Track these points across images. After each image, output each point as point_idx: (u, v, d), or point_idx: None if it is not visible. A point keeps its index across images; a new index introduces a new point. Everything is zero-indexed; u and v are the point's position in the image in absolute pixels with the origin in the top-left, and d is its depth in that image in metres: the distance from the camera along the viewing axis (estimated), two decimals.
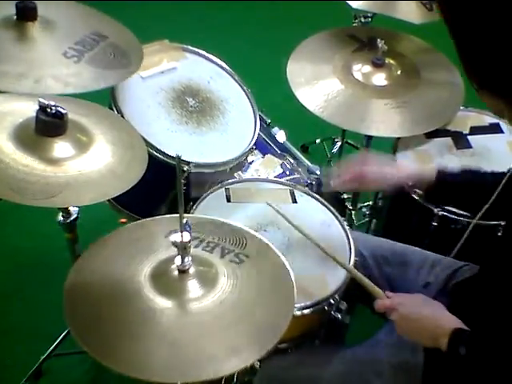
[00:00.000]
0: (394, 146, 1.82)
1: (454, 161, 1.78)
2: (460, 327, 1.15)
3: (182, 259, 1.08)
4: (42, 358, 1.83)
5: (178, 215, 1.17)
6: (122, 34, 1.52)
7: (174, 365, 1.00)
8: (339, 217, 1.57)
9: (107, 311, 1.07)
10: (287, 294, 1.16)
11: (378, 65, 1.82)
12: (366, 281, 1.29)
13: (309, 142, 2.61)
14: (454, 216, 1.63)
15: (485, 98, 1.00)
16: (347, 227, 1.54)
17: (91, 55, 1.37)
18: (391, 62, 1.85)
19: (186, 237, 1.07)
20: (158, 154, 1.57)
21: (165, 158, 1.58)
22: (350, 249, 1.48)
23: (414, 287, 1.45)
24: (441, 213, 1.64)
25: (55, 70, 1.31)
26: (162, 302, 1.07)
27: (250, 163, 1.82)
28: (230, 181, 1.65)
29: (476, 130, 1.87)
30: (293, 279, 1.18)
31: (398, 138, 1.82)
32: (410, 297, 1.27)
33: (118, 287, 1.10)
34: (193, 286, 1.09)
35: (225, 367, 1.01)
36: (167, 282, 1.10)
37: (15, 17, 1.36)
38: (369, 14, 2.03)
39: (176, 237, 1.07)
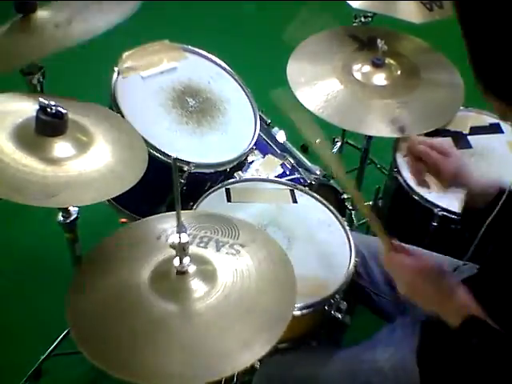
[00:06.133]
0: (394, 146, 1.82)
1: None
2: (475, 314, 1.10)
3: (181, 260, 1.08)
4: (42, 357, 1.83)
5: (168, 213, 1.17)
6: None
7: (190, 368, 0.99)
8: (339, 217, 1.57)
9: (112, 320, 1.06)
10: (288, 277, 1.16)
11: (377, 65, 1.82)
12: (377, 225, 1.24)
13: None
14: (454, 216, 1.63)
15: (490, 100, 1.00)
16: (347, 227, 1.54)
17: (83, 14, 1.40)
18: (391, 62, 1.85)
19: (184, 238, 1.06)
20: (158, 154, 1.57)
21: (165, 158, 1.58)
22: (350, 249, 1.48)
23: None
24: (441, 213, 1.64)
25: (44, 45, 1.35)
26: (167, 307, 1.05)
27: (250, 163, 1.82)
28: (230, 181, 1.65)
29: (476, 130, 1.87)
30: (291, 261, 1.18)
31: (398, 138, 1.82)
32: (424, 259, 1.21)
33: (121, 293, 1.10)
34: (195, 286, 1.08)
35: (240, 361, 1.00)
36: (168, 285, 1.09)
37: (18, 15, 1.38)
38: (369, 14, 2.03)
39: (174, 238, 1.06)
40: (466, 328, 1.10)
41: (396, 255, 1.21)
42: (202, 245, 1.18)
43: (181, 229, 1.05)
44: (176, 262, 1.08)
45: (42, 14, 1.42)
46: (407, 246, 1.25)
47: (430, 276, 1.18)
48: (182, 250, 1.06)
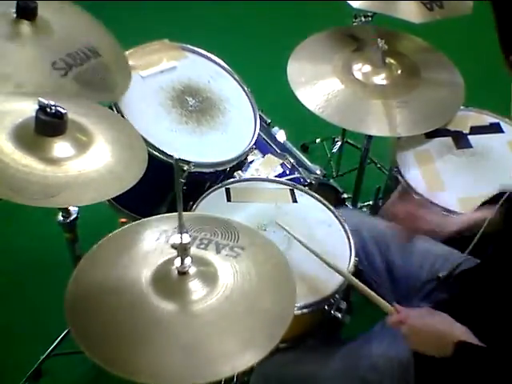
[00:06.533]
0: (394, 145, 1.82)
1: (454, 161, 1.78)
2: (465, 340, 1.14)
3: (182, 261, 1.08)
4: (42, 357, 1.83)
5: (170, 214, 1.16)
6: (115, 54, 1.52)
7: (190, 368, 1.00)
8: (339, 216, 1.57)
9: (112, 319, 1.06)
10: (287, 278, 1.16)
11: (378, 64, 1.82)
12: (374, 295, 1.28)
13: (309, 141, 2.61)
14: (453, 216, 1.63)
15: None
16: (346, 226, 1.54)
17: (79, 71, 1.38)
18: (391, 61, 1.85)
19: (186, 238, 1.06)
20: (157, 154, 1.57)
21: (165, 158, 1.58)
22: (350, 248, 1.48)
23: (415, 279, 1.45)
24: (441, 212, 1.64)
25: (40, 78, 1.32)
26: (167, 307, 1.06)
27: (250, 163, 1.82)
28: (230, 180, 1.65)
29: (476, 130, 1.87)
30: (289, 263, 1.19)
31: (399, 138, 1.82)
32: (418, 310, 1.27)
33: (121, 293, 1.10)
34: (196, 287, 1.08)
35: (242, 362, 1.01)
36: (169, 285, 1.09)
37: (14, 14, 1.37)
38: (369, 14, 2.03)
39: (175, 239, 1.06)
40: (457, 353, 1.13)
41: (396, 314, 1.24)
42: (202, 246, 1.18)
43: (182, 229, 1.05)
44: (177, 262, 1.08)
45: (39, 30, 1.41)
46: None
47: (423, 320, 1.22)
48: (183, 250, 1.06)
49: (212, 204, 1.56)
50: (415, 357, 1.26)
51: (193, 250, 1.14)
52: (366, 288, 1.29)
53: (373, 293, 1.28)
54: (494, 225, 1.32)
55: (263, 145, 1.91)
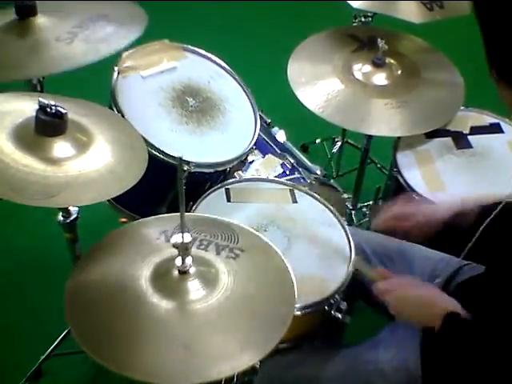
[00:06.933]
0: (394, 145, 1.82)
1: (454, 161, 1.78)
2: (455, 311, 1.15)
3: (183, 260, 1.08)
4: (42, 357, 1.83)
5: (170, 215, 1.16)
6: (121, 7, 1.54)
7: (190, 367, 1.00)
8: (339, 217, 1.57)
9: (112, 318, 1.06)
10: (286, 280, 1.17)
11: (378, 64, 1.82)
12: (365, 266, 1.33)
13: (309, 141, 2.61)
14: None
15: (501, 90, 1.00)
16: (345, 226, 1.54)
17: (85, 34, 1.41)
18: (391, 61, 1.85)
19: (187, 237, 1.06)
20: (158, 154, 1.57)
21: (165, 158, 1.57)
22: (350, 249, 1.48)
23: None
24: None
25: (42, 54, 1.34)
26: (168, 306, 1.06)
27: (251, 163, 1.82)
28: (230, 181, 1.65)
29: (476, 130, 1.87)
30: (288, 264, 1.20)
31: (399, 138, 1.82)
32: (408, 278, 1.29)
33: (122, 292, 1.10)
34: (195, 287, 1.09)
35: (242, 361, 1.01)
36: (169, 284, 1.09)
37: (16, 17, 1.38)
38: (369, 14, 2.03)
39: (176, 238, 1.06)
40: (446, 324, 1.14)
41: (384, 281, 1.28)
42: (202, 247, 1.19)
43: (184, 228, 1.05)
44: (178, 261, 1.08)
45: (42, 21, 1.44)
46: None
47: (413, 289, 1.25)
48: (184, 249, 1.07)
49: (212, 204, 1.56)
50: (423, 366, 1.26)
51: (193, 250, 1.14)
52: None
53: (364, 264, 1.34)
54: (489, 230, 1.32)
55: (263, 145, 1.91)
